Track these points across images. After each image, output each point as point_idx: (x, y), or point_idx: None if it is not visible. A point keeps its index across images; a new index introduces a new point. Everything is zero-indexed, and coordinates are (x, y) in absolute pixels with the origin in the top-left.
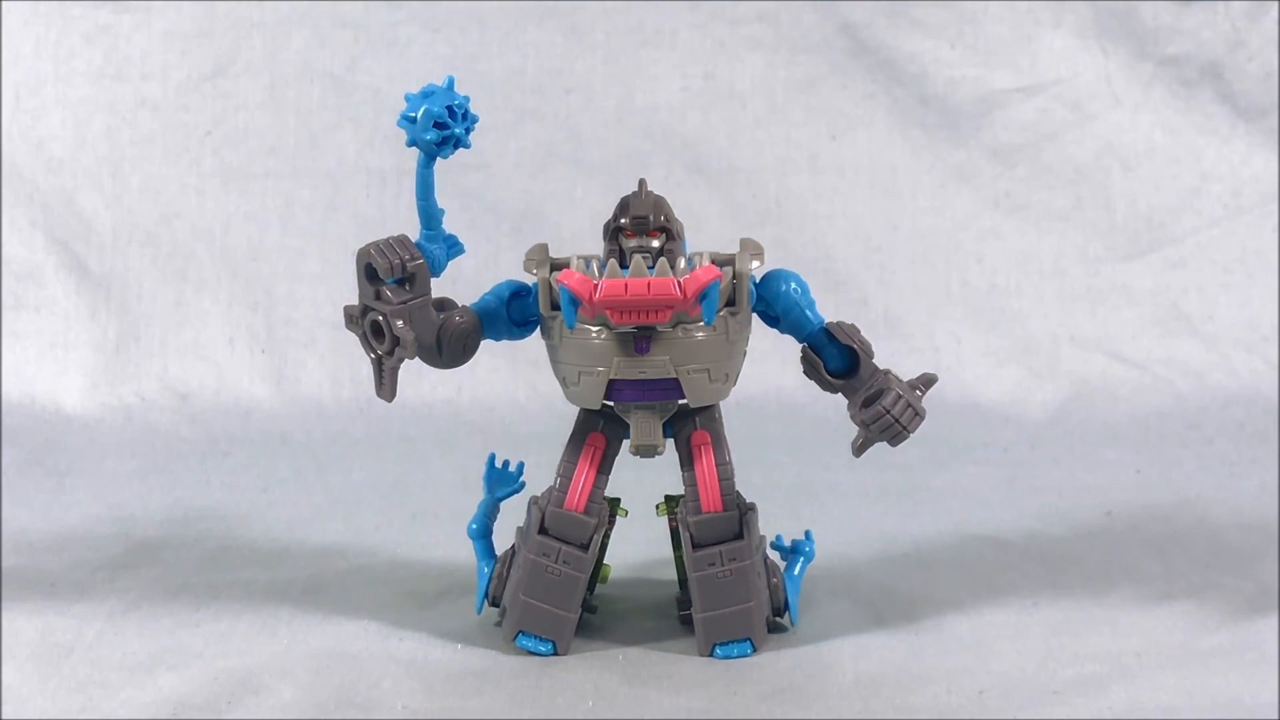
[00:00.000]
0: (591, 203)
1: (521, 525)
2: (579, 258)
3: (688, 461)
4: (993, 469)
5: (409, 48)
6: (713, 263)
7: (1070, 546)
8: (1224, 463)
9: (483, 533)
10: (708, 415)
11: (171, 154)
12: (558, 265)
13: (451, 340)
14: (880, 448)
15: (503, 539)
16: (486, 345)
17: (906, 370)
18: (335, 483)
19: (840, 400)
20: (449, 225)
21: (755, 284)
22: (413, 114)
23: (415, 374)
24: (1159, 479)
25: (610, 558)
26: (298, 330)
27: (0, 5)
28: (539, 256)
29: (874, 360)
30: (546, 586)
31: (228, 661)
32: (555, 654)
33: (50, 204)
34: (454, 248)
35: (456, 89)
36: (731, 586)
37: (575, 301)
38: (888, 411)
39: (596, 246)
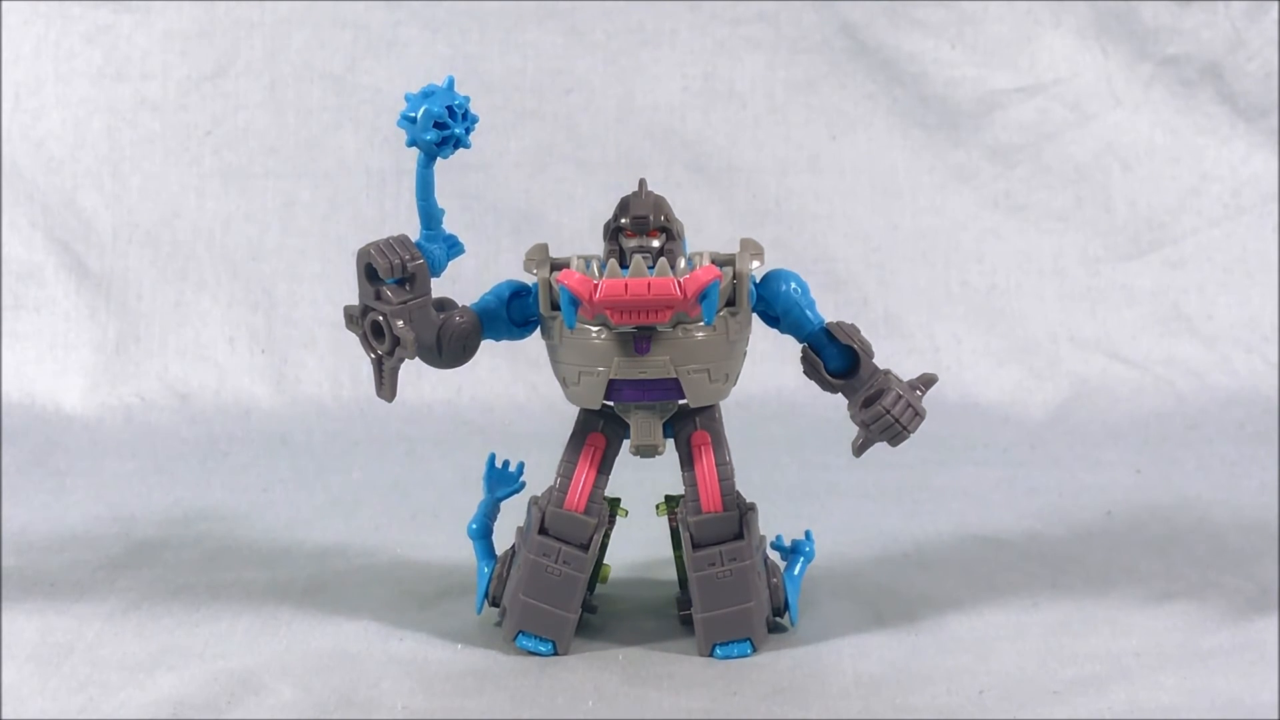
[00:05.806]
0: (591, 203)
1: (521, 525)
2: (579, 258)
3: (688, 461)
4: (993, 469)
5: (409, 48)
6: (713, 263)
7: (1070, 546)
8: (1224, 463)
9: (483, 533)
10: (708, 415)
11: (171, 154)
12: (558, 265)
13: (451, 340)
14: (880, 448)
15: (503, 539)
16: (486, 345)
17: (906, 370)
18: (335, 483)
19: (840, 400)
20: (449, 225)
21: (755, 284)
22: (413, 114)
23: (415, 374)
24: (1159, 479)
25: (610, 558)
26: (298, 330)
27: (0, 5)
28: (539, 256)
29: (874, 360)
30: (546, 586)
31: (228, 661)
32: (555, 654)
33: (50, 204)
34: (454, 248)
35: (456, 89)
36: (731, 586)
37: (575, 301)
38: (888, 411)
39: (596, 246)
